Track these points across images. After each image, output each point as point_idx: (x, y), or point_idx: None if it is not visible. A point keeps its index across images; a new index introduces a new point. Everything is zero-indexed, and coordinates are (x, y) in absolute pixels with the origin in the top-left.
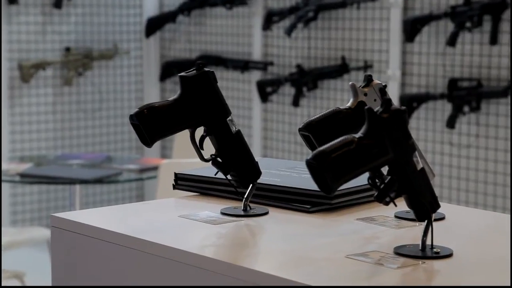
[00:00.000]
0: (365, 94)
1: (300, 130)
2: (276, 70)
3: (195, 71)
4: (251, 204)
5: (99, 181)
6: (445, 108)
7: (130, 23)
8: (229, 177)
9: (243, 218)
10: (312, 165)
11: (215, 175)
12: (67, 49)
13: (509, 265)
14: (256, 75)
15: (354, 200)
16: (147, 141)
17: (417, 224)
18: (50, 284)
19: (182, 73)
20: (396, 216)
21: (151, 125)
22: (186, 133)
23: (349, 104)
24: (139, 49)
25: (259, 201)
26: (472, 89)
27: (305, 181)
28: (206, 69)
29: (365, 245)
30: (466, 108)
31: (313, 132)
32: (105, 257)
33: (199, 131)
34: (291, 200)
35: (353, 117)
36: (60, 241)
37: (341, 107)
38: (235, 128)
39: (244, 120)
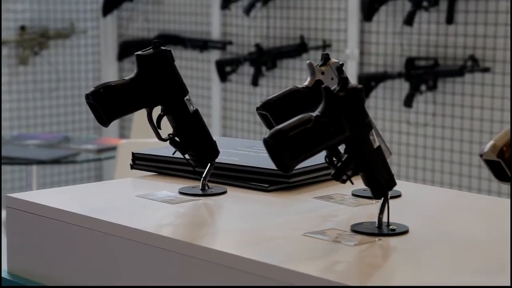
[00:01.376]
0: (323, 73)
1: (258, 109)
2: (235, 50)
3: (151, 50)
4: (209, 184)
5: (56, 161)
6: (402, 87)
7: (87, 1)
8: (187, 156)
9: (201, 198)
10: (270, 144)
11: (173, 154)
12: (22, 28)
13: (463, 241)
14: (215, 55)
15: (312, 179)
16: (104, 120)
17: (374, 201)
18: (4, 266)
19: (139, 52)
20: (353, 194)
21: (108, 104)
22: (144, 112)
23: (306, 83)
24: (96, 28)
25: (217, 180)
26: (429, 68)
27: (263, 160)
28: (163, 48)
29: (322, 223)
30: (423, 87)
31: (270, 111)
32: (61, 238)
33: (157, 111)
34: (249, 179)
35: (311, 95)
36: (15, 222)
37: (298, 86)
38: (193, 107)
39: (203, 99)
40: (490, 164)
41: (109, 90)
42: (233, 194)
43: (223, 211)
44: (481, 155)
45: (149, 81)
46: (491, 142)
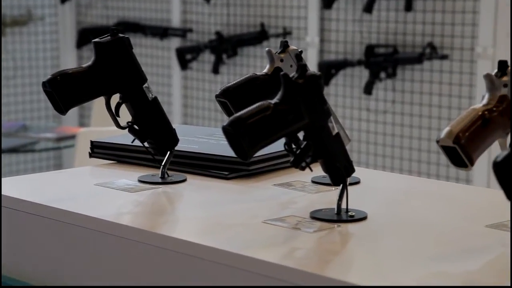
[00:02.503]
0: (282, 60)
1: (217, 96)
2: (196, 37)
3: (109, 37)
4: (169, 172)
5: (14, 150)
6: (362, 74)
7: None
8: (146, 144)
9: (160, 186)
10: (229, 131)
11: (132, 142)
12: None
13: (421, 226)
14: (175, 42)
15: (272, 166)
16: (61, 108)
17: (333, 188)
18: None
19: (96, 39)
20: (313, 181)
21: (65, 92)
22: (104, 100)
23: (265, 70)
24: (54, 15)
25: (177, 168)
26: (388, 56)
27: (223, 147)
28: (121, 35)
29: (282, 210)
30: (382, 74)
31: (230, 98)
32: (19, 227)
33: (115, 98)
34: (209, 167)
35: (270, 83)
36: None
37: (257, 73)
38: (152, 95)
39: (163, 87)
40: (447, 150)
41: (66, 78)
42: (193, 182)
43: (183, 199)
44: (437, 141)
45: (107, 68)
46: (447, 128)
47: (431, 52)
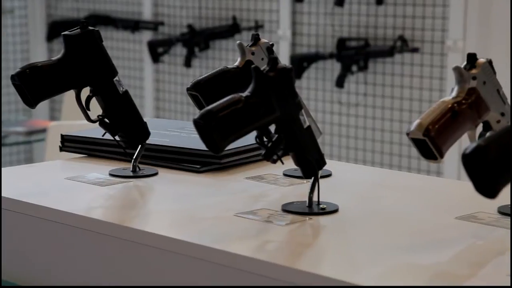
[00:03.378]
0: (253, 53)
1: (188, 89)
2: (167, 30)
3: (79, 30)
4: (140, 165)
5: None
6: (334, 67)
7: None
8: (117, 138)
9: (132, 179)
10: (199, 125)
11: (103, 136)
12: None
13: (392, 218)
14: (147, 35)
15: (244, 159)
16: (30, 102)
17: (305, 181)
18: None
19: (66, 32)
20: (284, 174)
21: (34, 85)
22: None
23: (236, 63)
24: (24, 7)
25: (148, 162)
26: (360, 49)
27: (195, 141)
28: (90, 27)
29: (254, 203)
30: (354, 68)
31: (201, 91)
32: None
33: (86, 92)
34: (181, 160)
35: (241, 76)
36: None
37: (229, 66)
38: (123, 88)
39: (135, 81)
40: (417, 142)
41: (35, 71)
42: (164, 176)
43: (154, 192)
44: (407, 134)
45: (77, 61)
46: (418, 121)
47: (402, 45)
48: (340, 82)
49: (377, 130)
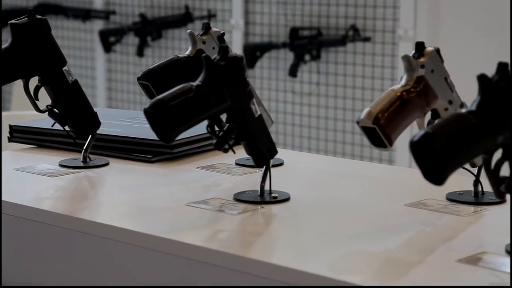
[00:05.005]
0: (204, 42)
1: (139, 79)
2: (119, 19)
3: (26, 18)
4: (90, 156)
5: None
6: (287, 57)
7: None
8: (67, 128)
9: (82, 170)
10: (150, 114)
11: (52, 126)
12: None
13: (342, 206)
14: (98, 24)
15: (196, 149)
16: None
17: (257, 170)
18: None
19: (13, 21)
20: (236, 163)
21: None
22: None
23: (187, 52)
24: None
25: (99, 152)
26: (312, 38)
27: (146, 131)
28: (38, 16)
29: (205, 192)
30: (307, 57)
31: (151, 80)
32: None
33: (35, 81)
34: (132, 150)
35: (192, 65)
36: None
37: (180, 56)
38: (72, 78)
39: (87, 71)
40: (367, 130)
41: None
42: (115, 166)
43: (105, 183)
44: (357, 122)
45: (24, 51)
46: (367, 109)
47: (354, 34)
48: (293, 72)
49: (330, 119)
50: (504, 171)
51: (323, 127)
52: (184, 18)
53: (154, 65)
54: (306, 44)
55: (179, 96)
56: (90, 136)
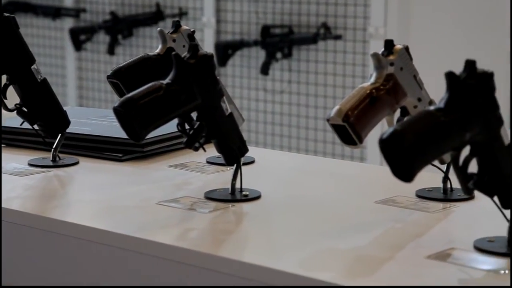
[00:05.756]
0: (174, 40)
1: (108, 77)
2: (89, 17)
3: None
4: (60, 155)
5: None
6: (259, 55)
7: None
8: (36, 127)
9: (52, 169)
10: (120, 112)
11: (21, 125)
12: None
13: (312, 204)
14: (68, 23)
15: (166, 147)
16: None
17: (228, 168)
18: None
19: None
20: (208, 162)
21: None
22: None
23: (158, 50)
24: None
25: (69, 151)
26: (284, 36)
27: (117, 129)
28: (6, 14)
29: (176, 191)
30: (278, 55)
31: (121, 79)
32: None
33: (2, 80)
34: (103, 149)
35: (162, 63)
36: None
37: (150, 54)
38: (41, 76)
39: (57, 69)
40: (337, 128)
41: None
42: (85, 165)
43: (75, 182)
44: (328, 120)
45: None
46: (337, 107)
47: (325, 32)
48: (264, 69)
49: (302, 117)
50: (472, 167)
51: (295, 125)
52: (155, 16)
53: (124, 63)
54: (278, 42)
55: (149, 95)
56: (60, 135)
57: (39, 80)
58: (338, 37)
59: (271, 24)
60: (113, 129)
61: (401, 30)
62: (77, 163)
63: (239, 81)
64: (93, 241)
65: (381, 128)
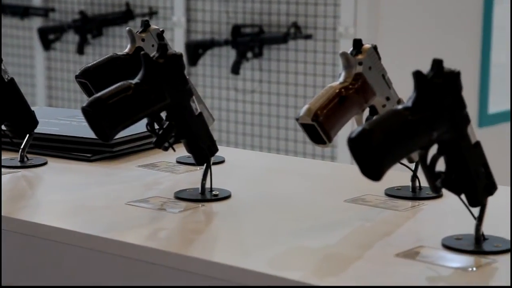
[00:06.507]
0: (143, 40)
1: (77, 77)
2: (58, 17)
3: None
4: (28, 155)
5: None
6: (229, 54)
7: None
8: (3, 127)
9: (19, 170)
10: (88, 112)
11: None
12: None
13: (282, 203)
14: (37, 22)
15: (136, 147)
16: None
17: (198, 168)
18: None
19: None
20: (177, 162)
21: None
22: None
23: (126, 50)
24: None
25: (37, 151)
26: (255, 36)
27: (86, 129)
28: None
29: (146, 191)
30: (249, 54)
31: (90, 79)
32: None
33: None
34: (71, 150)
35: (131, 63)
36: None
37: (118, 53)
38: (8, 76)
39: (26, 69)
40: (306, 127)
41: None
42: (54, 166)
43: (43, 183)
44: (297, 119)
45: None
46: (306, 106)
47: (295, 32)
48: (235, 69)
49: (273, 117)
50: (440, 166)
51: (266, 124)
52: (125, 16)
53: (92, 63)
54: (248, 42)
55: (117, 94)
56: (28, 135)
57: (6, 80)
58: (308, 37)
59: (241, 24)
60: (82, 129)
61: (370, 30)
62: (45, 163)
63: (210, 81)
64: (62, 241)
65: (352, 127)
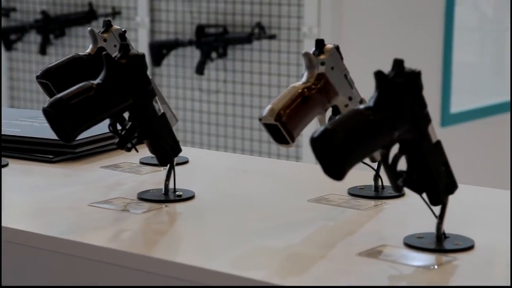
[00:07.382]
0: (105, 40)
1: (37, 78)
2: (20, 17)
3: None
4: None
5: None
6: (193, 54)
7: None
8: None
9: None
10: (49, 113)
11: None
12: None
13: (246, 203)
14: None
15: (99, 148)
16: None
17: (162, 169)
18: None
19: None
20: (141, 162)
21: None
22: None
23: (88, 50)
24: None
25: None
26: (219, 36)
27: (48, 130)
28: None
29: (109, 192)
30: (213, 54)
31: (51, 79)
32: None
33: None
34: (33, 151)
35: (93, 63)
36: None
37: (80, 54)
38: None
39: None
40: (269, 127)
41: None
42: (15, 167)
43: (4, 184)
44: (260, 119)
45: None
46: (269, 106)
47: (259, 32)
48: (200, 69)
49: (237, 117)
50: (402, 165)
51: (230, 124)
52: (88, 16)
53: (54, 64)
54: (213, 42)
55: (79, 95)
56: None
57: None
58: (272, 37)
59: (205, 24)
60: (44, 130)
61: (334, 30)
62: (6, 165)
63: (174, 81)
64: (23, 244)
65: (316, 127)
